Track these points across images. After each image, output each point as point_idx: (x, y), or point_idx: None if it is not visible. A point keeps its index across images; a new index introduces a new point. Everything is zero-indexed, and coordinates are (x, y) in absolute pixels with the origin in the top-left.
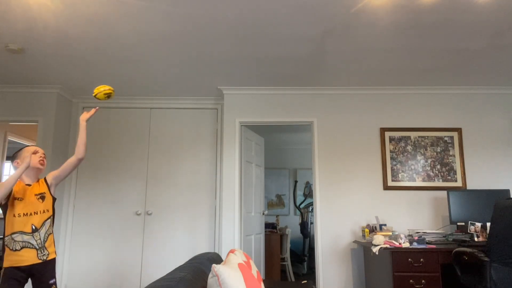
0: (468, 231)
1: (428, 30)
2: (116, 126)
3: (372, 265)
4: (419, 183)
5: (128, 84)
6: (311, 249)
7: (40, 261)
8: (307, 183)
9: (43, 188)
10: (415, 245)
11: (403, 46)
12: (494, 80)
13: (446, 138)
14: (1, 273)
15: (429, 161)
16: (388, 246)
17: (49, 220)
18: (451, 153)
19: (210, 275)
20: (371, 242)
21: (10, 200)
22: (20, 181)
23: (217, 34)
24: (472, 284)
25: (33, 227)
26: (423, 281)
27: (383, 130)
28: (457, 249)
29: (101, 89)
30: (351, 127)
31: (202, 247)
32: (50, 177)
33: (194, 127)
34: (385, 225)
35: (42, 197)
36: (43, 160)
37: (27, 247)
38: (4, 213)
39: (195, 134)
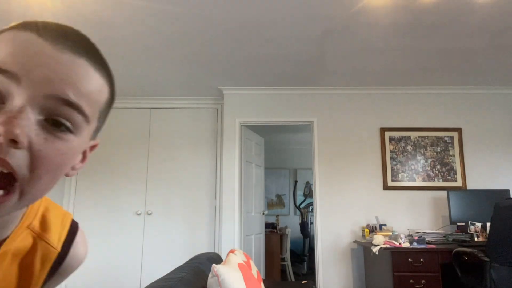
0: (468, 231)
1: (428, 30)
2: (116, 126)
3: (372, 265)
4: (419, 183)
5: (128, 84)
6: (311, 249)
7: None
8: (307, 183)
9: None
10: (415, 245)
11: (403, 46)
12: (494, 80)
13: (446, 138)
14: None
15: (429, 161)
16: (388, 246)
17: None
18: (451, 153)
19: (210, 275)
20: (371, 242)
21: None
22: None
23: (217, 34)
24: (472, 284)
25: None
26: (423, 281)
27: (383, 130)
28: (457, 249)
29: None
30: (351, 127)
31: (202, 247)
32: None
33: (194, 127)
34: (385, 225)
35: None
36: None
37: None
38: None
39: (195, 134)
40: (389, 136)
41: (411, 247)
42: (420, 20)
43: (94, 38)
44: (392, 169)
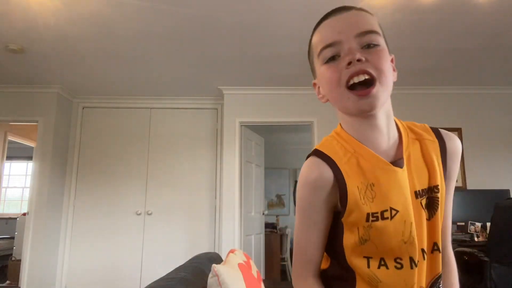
0: (468, 231)
1: (428, 30)
2: (116, 126)
3: None
4: None
5: (128, 84)
6: None
7: None
8: None
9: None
10: None
11: (403, 46)
12: (494, 80)
13: None
14: None
15: None
16: None
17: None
18: None
19: (210, 275)
20: None
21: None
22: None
23: (217, 34)
24: (472, 284)
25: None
26: None
27: None
28: (457, 249)
29: None
30: None
31: (202, 247)
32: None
33: (194, 127)
34: None
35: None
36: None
37: None
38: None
39: (195, 134)
40: None
41: None
42: (420, 20)
43: (94, 38)
44: None
